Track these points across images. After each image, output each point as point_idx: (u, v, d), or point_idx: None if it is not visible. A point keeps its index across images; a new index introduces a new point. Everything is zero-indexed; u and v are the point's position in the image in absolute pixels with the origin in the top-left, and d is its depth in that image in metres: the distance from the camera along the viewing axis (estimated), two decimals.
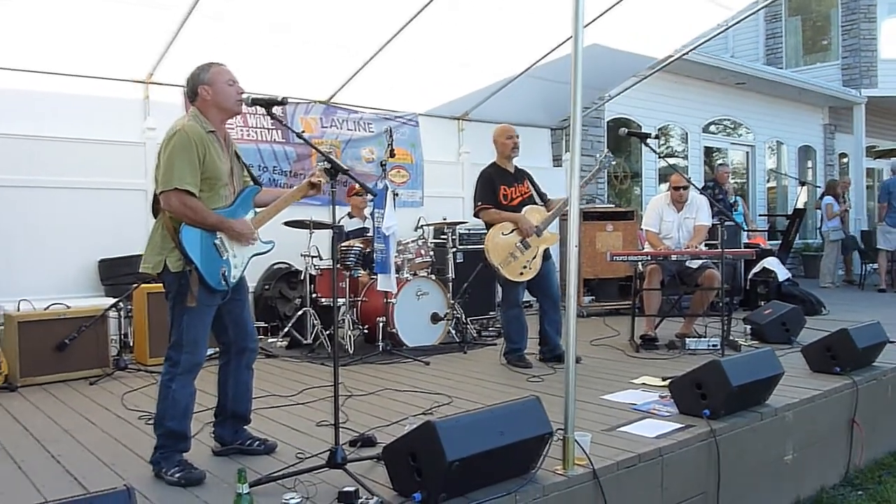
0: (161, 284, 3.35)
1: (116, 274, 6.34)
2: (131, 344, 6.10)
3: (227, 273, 3.31)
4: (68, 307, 5.50)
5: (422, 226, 6.98)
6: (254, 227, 3.48)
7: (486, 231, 5.67)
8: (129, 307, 6.04)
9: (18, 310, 5.40)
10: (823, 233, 12.10)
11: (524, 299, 5.79)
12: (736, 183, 13.77)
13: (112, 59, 6.39)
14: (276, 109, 3.46)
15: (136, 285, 5.84)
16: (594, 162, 5.77)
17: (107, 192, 6.55)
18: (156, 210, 3.36)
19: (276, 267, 7.29)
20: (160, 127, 6.39)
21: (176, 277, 3.24)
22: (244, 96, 3.39)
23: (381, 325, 6.19)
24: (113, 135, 6.62)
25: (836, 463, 4.71)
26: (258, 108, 3.43)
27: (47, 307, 5.49)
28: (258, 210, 3.55)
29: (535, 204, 5.73)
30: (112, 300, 5.75)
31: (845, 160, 16.37)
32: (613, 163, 5.88)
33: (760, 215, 13.97)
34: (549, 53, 8.02)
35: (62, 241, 6.34)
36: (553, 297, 5.71)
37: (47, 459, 3.56)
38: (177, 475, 3.16)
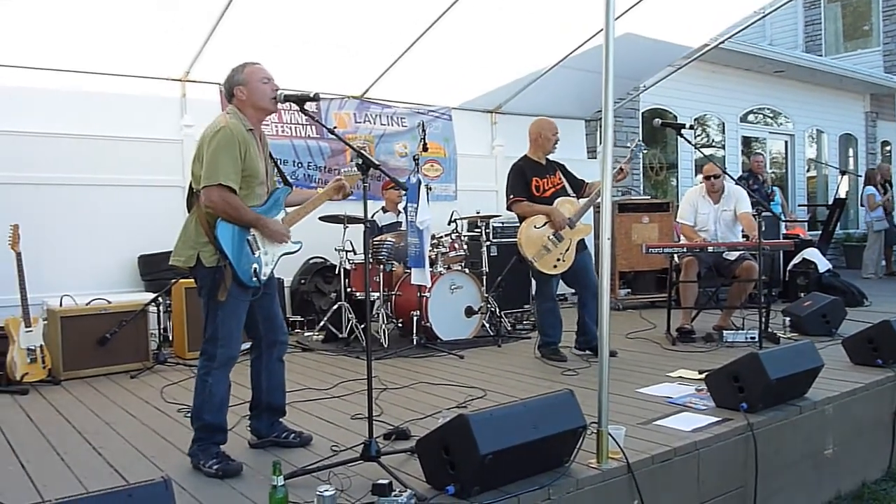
0: (193, 279, 3.40)
1: (156, 269, 6.44)
2: (170, 338, 6.20)
3: (258, 270, 3.34)
4: (109, 302, 5.60)
5: (455, 219, 6.96)
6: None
7: (519, 224, 5.65)
8: (168, 302, 6.13)
9: (61, 305, 5.51)
10: (867, 223, 11.84)
11: (559, 292, 5.76)
12: (774, 173, 13.55)
13: (150, 58, 6.49)
14: (309, 105, 3.49)
15: (174, 281, 5.93)
16: (626, 153, 5.71)
17: (146, 189, 6.65)
18: (190, 203, 3.40)
19: (311, 262, 7.34)
20: (197, 124, 6.49)
21: (210, 272, 3.28)
22: (278, 93, 3.42)
23: (415, 318, 6.20)
24: (151, 132, 6.73)
25: (879, 457, 4.61)
26: (293, 105, 3.46)
27: (89, 302, 5.59)
28: (288, 210, 3.59)
29: (568, 195, 5.68)
30: (152, 295, 5.84)
31: (888, 148, 15.99)
32: (645, 150, 5.82)
33: (800, 205, 13.73)
34: (583, 44, 7.95)
35: (103, 237, 6.47)
36: (591, 286, 5.61)
37: (89, 451, 3.64)
38: (214, 467, 3.20)
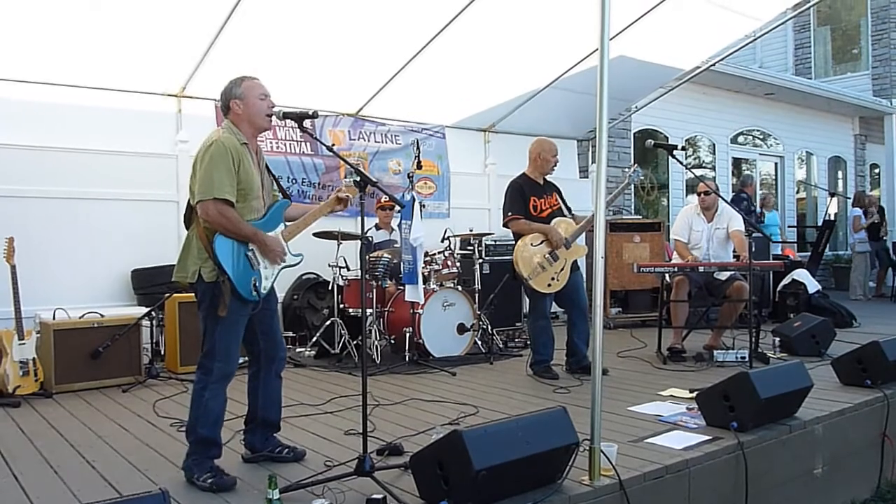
0: (193, 294, 3.41)
1: (149, 284, 6.45)
2: (163, 352, 6.19)
3: (258, 284, 3.37)
4: (102, 316, 5.60)
5: (448, 237, 7.01)
6: (283, 240, 3.54)
7: (512, 242, 5.70)
8: (161, 316, 6.14)
9: (54, 318, 5.51)
10: (851, 245, 11.97)
11: (551, 310, 5.80)
12: (766, 194, 13.67)
13: (146, 73, 6.52)
14: (308, 122, 3.52)
15: (168, 295, 5.94)
16: (621, 174, 5.77)
17: (140, 204, 6.66)
18: (188, 220, 3.43)
19: (304, 277, 7.36)
20: (192, 139, 6.53)
21: (209, 287, 3.30)
22: (275, 110, 3.46)
23: (408, 335, 6.22)
24: (146, 147, 6.75)
25: (867, 477, 4.65)
26: (288, 120, 3.50)
27: (82, 316, 5.60)
28: (287, 224, 3.61)
29: (564, 216, 5.74)
30: (145, 309, 5.85)
31: (877, 171, 16.16)
32: (642, 177, 5.88)
33: (790, 227, 13.84)
34: (575, 65, 8.05)
35: (96, 251, 6.47)
36: (582, 307, 5.69)
37: (82, 465, 3.64)
38: (208, 481, 3.21)
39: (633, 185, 10.92)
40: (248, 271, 3.34)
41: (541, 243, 5.54)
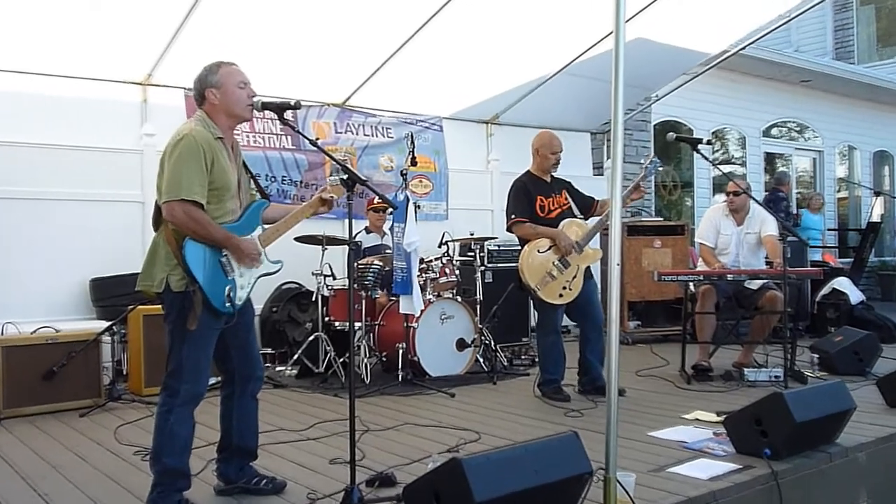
0: (160, 305, 3.41)
1: (110, 295, 6.45)
2: (126, 372, 6.18)
3: (232, 294, 3.37)
4: (57, 331, 5.59)
5: (446, 242, 7.01)
6: (261, 245, 3.54)
7: (519, 247, 5.70)
8: (124, 331, 6.13)
9: (3, 334, 5.50)
10: None
11: (562, 324, 5.80)
12: (801, 193, 13.71)
13: (106, 58, 6.51)
14: (289, 114, 3.53)
15: (131, 307, 5.93)
16: (639, 170, 5.78)
17: (100, 205, 6.66)
18: (156, 222, 3.42)
19: (284, 287, 7.36)
20: (159, 133, 6.53)
21: (178, 298, 3.29)
22: (255, 100, 3.46)
23: (400, 352, 6.22)
24: (107, 142, 6.75)
25: None
26: (267, 112, 3.51)
27: (34, 331, 5.58)
28: (266, 227, 3.61)
29: (575, 217, 5.75)
30: (105, 323, 5.84)
31: None
32: (660, 168, 5.89)
33: (830, 230, 13.86)
34: (589, 49, 8.07)
35: (51, 258, 6.45)
36: (596, 320, 5.66)
37: (33, 499, 3.62)
38: None
39: (652, 180, 11.00)
40: (221, 279, 3.34)
41: (548, 249, 5.55)
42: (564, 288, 5.53)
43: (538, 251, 5.55)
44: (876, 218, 11.97)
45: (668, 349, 7.55)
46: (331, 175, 3.87)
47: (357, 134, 8.24)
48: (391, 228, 6.14)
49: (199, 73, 3.47)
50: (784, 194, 10.21)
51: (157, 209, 3.39)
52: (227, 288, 3.35)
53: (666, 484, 3.59)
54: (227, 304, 3.35)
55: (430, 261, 6.65)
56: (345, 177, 3.34)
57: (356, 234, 7.16)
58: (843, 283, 8.77)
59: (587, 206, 5.86)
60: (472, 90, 8.53)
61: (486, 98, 8.77)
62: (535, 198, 5.66)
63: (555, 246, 5.54)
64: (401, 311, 6.01)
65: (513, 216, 5.66)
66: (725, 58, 9.37)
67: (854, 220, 14.80)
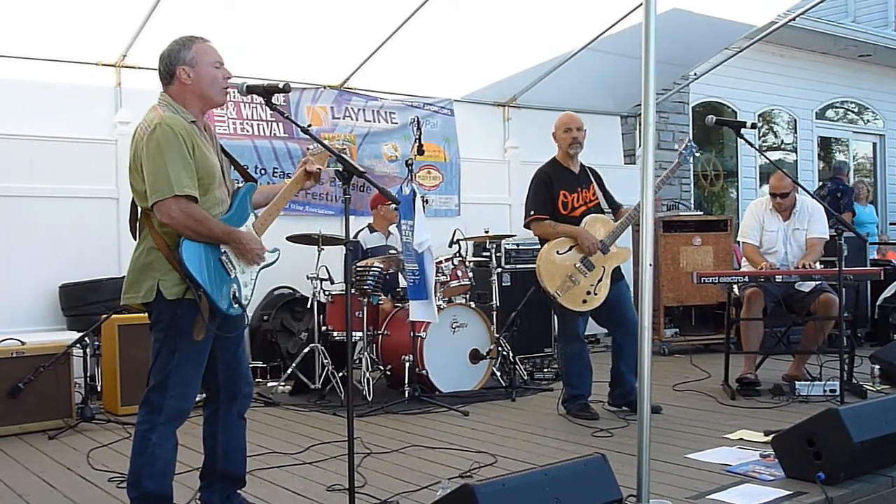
0: (147, 314, 3.38)
1: (82, 302, 6.47)
2: (99, 389, 6.21)
3: (237, 294, 3.38)
4: (23, 343, 5.61)
5: (458, 240, 7.01)
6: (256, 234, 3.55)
7: (539, 247, 5.70)
8: (98, 343, 6.15)
9: None
10: None
11: (589, 332, 5.78)
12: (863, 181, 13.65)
13: (75, 37, 6.53)
14: (277, 98, 3.54)
15: (105, 316, 5.95)
16: (673, 156, 5.76)
17: (69, 202, 6.70)
18: (134, 228, 3.41)
19: (276, 293, 7.38)
20: (135, 120, 6.43)
21: (171, 306, 3.27)
22: (238, 83, 3.47)
23: (407, 365, 6.22)
24: (77, 131, 6.78)
25: None
26: (254, 96, 3.51)
27: None
28: (257, 212, 3.61)
29: (602, 213, 5.74)
30: (76, 334, 5.87)
31: None
32: (697, 154, 5.87)
33: (892, 224, 13.78)
34: (618, 22, 8.07)
35: (15, 262, 6.49)
36: (629, 325, 5.58)
37: None
38: None
39: (690, 169, 10.98)
40: (223, 279, 3.35)
41: (569, 250, 5.53)
42: (588, 293, 5.51)
43: (557, 252, 5.53)
44: None
45: (710, 360, 7.53)
46: (327, 165, 3.85)
47: (357, 120, 8.25)
48: (398, 226, 6.12)
49: (169, 47, 3.42)
50: (846, 186, 10.16)
51: (134, 215, 3.38)
52: (232, 288, 3.36)
53: None
54: (234, 306, 3.36)
55: (441, 262, 6.64)
56: (341, 169, 3.34)
57: (358, 233, 7.20)
58: None
59: (612, 208, 5.82)
60: (486, 69, 8.53)
61: (502, 78, 8.77)
62: (557, 193, 5.65)
63: (577, 246, 5.54)
64: (413, 318, 5.99)
65: (531, 212, 5.65)
66: (773, 30, 9.35)
67: None
